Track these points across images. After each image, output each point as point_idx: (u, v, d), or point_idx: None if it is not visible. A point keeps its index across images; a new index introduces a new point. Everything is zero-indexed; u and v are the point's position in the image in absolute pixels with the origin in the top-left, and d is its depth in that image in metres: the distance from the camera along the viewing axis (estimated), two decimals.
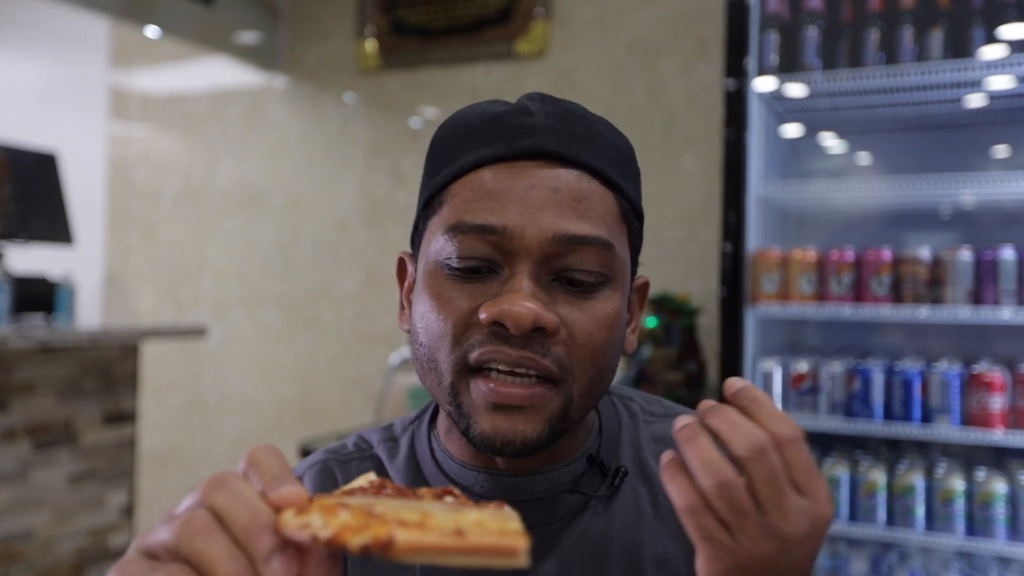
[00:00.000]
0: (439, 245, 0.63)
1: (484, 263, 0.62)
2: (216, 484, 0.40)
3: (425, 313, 0.64)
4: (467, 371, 0.62)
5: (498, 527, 0.38)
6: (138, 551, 0.41)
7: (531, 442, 0.61)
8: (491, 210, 0.61)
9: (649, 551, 0.70)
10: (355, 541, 0.36)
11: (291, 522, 0.38)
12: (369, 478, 0.46)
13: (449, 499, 0.44)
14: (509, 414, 0.61)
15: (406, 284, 0.73)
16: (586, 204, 0.63)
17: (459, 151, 0.65)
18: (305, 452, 2.37)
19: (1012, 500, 2.04)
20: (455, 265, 0.62)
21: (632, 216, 0.68)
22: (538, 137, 0.63)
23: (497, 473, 0.68)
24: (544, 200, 0.62)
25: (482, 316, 0.60)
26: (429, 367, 0.64)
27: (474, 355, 0.61)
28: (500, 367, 0.61)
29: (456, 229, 0.62)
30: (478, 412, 0.62)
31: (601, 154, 0.65)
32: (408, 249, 0.73)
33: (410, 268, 0.72)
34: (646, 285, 0.74)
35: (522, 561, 0.36)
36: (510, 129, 0.64)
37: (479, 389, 0.61)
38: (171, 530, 0.39)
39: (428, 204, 0.67)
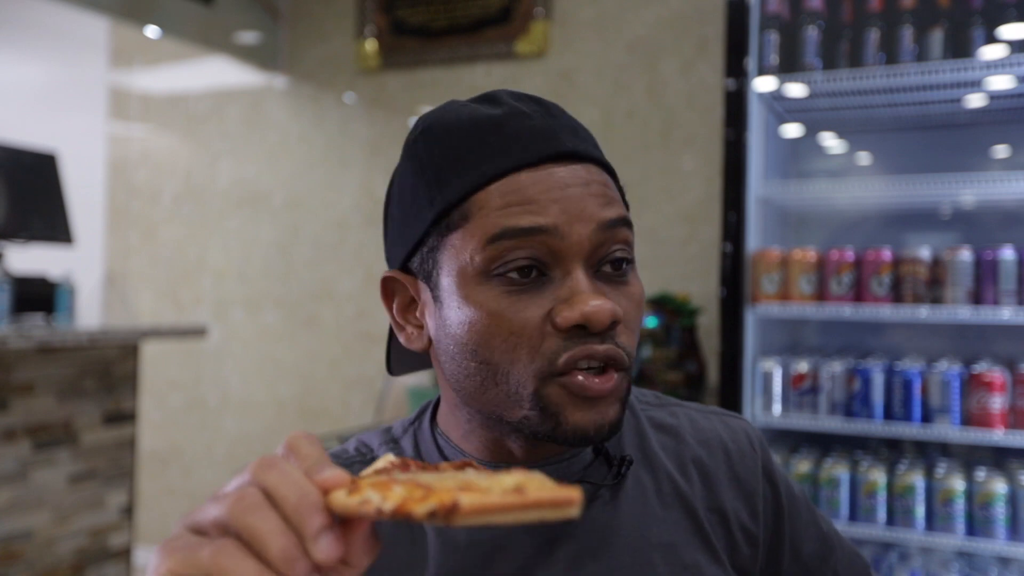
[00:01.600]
0: (478, 258, 0.62)
1: (535, 267, 0.62)
2: (266, 465, 0.42)
3: (481, 331, 0.63)
4: (553, 375, 0.63)
5: (545, 482, 0.39)
6: (185, 528, 0.42)
7: (616, 425, 0.64)
8: (534, 212, 0.62)
9: (655, 539, 0.71)
10: (420, 509, 0.37)
11: (348, 500, 0.39)
12: (389, 459, 0.47)
13: (470, 471, 0.45)
14: (595, 404, 0.63)
15: (397, 302, 0.71)
16: (607, 192, 0.66)
17: (470, 161, 0.64)
18: None
19: (1012, 500, 2.04)
20: (505, 274, 0.62)
21: (624, 196, 0.71)
22: (553, 139, 0.65)
23: (509, 465, 0.69)
24: (581, 196, 0.63)
25: (558, 320, 0.61)
26: (495, 381, 0.64)
27: (562, 360, 0.62)
28: (591, 364, 0.63)
29: (501, 237, 0.61)
30: (566, 409, 0.63)
31: (593, 144, 0.68)
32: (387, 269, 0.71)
33: (401, 287, 0.70)
34: None
35: (575, 511, 0.38)
36: (521, 134, 0.64)
37: (569, 385, 0.62)
38: (222, 506, 0.41)
39: (440, 219, 0.65)
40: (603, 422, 0.63)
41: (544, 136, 0.65)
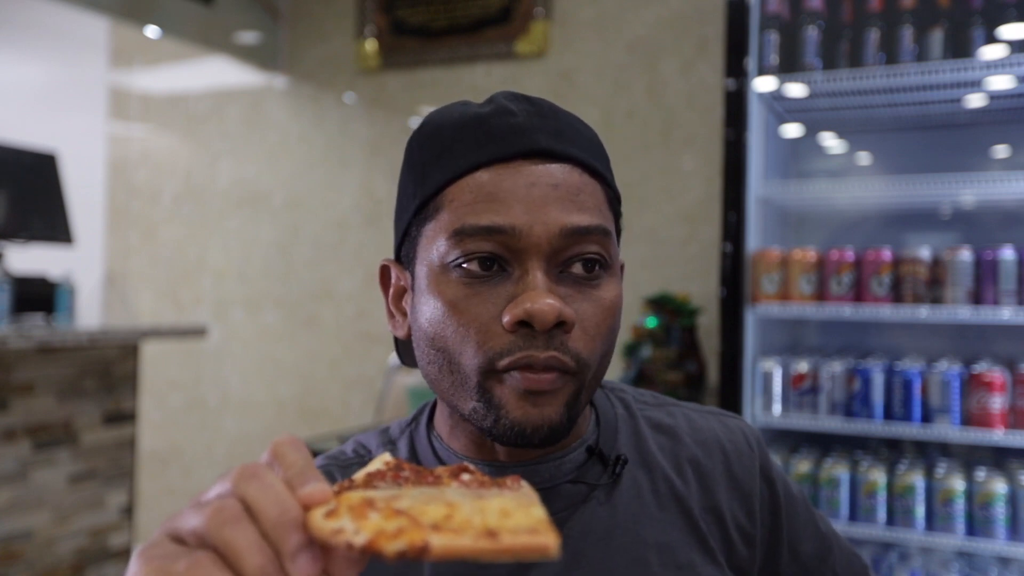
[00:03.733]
0: (443, 250, 0.64)
1: (494, 263, 0.63)
2: (248, 475, 0.41)
3: (438, 320, 0.64)
4: (495, 372, 0.63)
5: (526, 521, 0.38)
6: (165, 534, 0.42)
7: (556, 426, 0.63)
8: (496, 211, 0.62)
9: (651, 539, 0.71)
10: (390, 548, 0.37)
11: (323, 527, 0.38)
12: (385, 459, 0.47)
13: (466, 476, 0.45)
14: (537, 400, 0.62)
15: (392, 291, 0.73)
16: (583, 196, 0.65)
17: (448, 155, 0.66)
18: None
19: (1012, 500, 2.04)
20: (465, 267, 0.63)
21: (616, 203, 0.70)
22: (529, 136, 0.65)
23: (501, 465, 0.69)
24: (545, 197, 0.63)
25: (505, 319, 0.61)
26: (449, 370, 0.65)
27: (504, 362, 0.62)
28: (530, 368, 0.62)
29: (462, 233, 0.62)
30: (508, 403, 0.62)
31: (583, 146, 0.67)
32: (390, 256, 0.74)
33: (395, 276, 0.73)
34: (622, 267, 0.76)
35: (552, 554, 0.37)
36: (499, 130, 0.65)
37: (509, 382, 0.62)
38: (201, 517, 0.40)
39: (420, 210, 0.67)
40: (542, 422, 0.62)
41: (520, 133, 0.65)
